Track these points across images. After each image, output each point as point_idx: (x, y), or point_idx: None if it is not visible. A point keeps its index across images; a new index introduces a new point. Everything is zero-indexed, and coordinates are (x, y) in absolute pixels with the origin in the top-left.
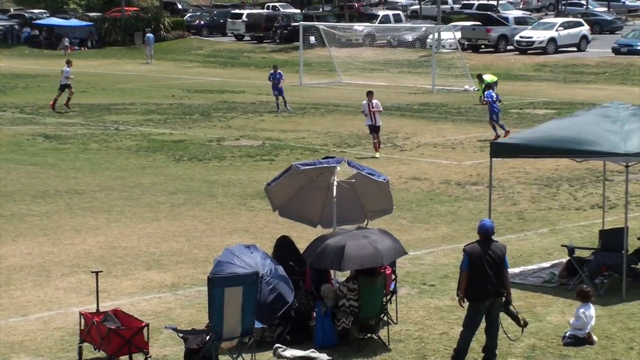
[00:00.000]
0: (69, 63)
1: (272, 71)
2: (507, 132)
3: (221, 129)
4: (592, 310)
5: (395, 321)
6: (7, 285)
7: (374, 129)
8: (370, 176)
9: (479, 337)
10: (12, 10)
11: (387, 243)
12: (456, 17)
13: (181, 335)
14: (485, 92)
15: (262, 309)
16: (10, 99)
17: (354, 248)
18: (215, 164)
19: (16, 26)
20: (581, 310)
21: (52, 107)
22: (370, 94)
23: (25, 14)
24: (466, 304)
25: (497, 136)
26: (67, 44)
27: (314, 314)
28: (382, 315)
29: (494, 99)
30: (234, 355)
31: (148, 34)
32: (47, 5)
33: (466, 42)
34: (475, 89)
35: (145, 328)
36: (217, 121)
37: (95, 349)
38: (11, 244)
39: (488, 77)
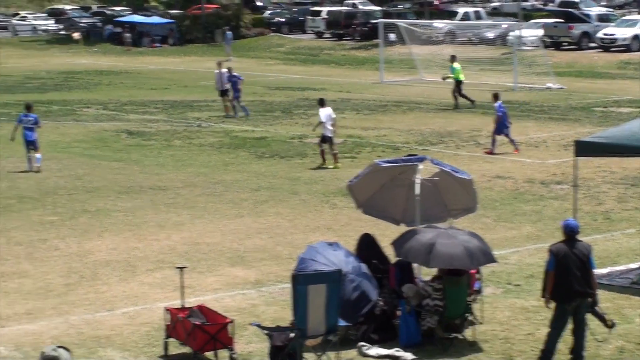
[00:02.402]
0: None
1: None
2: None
3: (302, 126)
4: None
5: (480, 321)
6: (93, 280)
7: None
8: (453, 174)
9: (566, 339)
10: (94, 7)
11: (477, 247)
12: (537, 14)
13: (266, 332)
14: (497, 105)
15: (345, 306)
16: (94, 96)
17: (444, 246)
18: (298, 161)
19: (99, 23)
20: None
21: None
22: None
23: (108, 12)
24: (552, 305)
25: (491, 151)
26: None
27: (399, 312)
28: (467, 314)
29: (505, 113)
30: (319, 353)
31: (227, 32)
32: (129, 3)
33: (548, 40)
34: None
35: (230, 324)
36: (298, 118)
37: (180, 344)
38: (97, 239)
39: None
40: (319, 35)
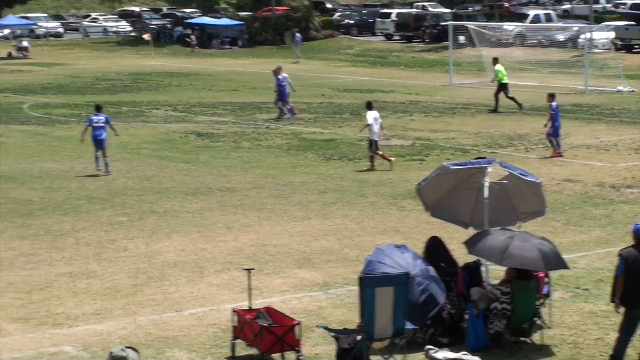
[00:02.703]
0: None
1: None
2: (557, 153)
3: None
4: None
5: (548, 325)
6: (161, 281)
7: None
8: (522, 177)
9: (635, 344)
10: (164, 9)
11: (551, 251)
12: (609, 17)
13: (333, 334)
14: (552, 104)
15: (413, 309)
16: (164, 97)
17: (518, 247)
18: (366, 163)
19: (169, 25)
20: None
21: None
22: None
23: (178, 14)
24: (622, 310)
25: (558, 153)
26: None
27: (466, 316)
28: (536, 318)
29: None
30: (386, 356)
31: (296, 34)
32: (199, 5)
33: (619, 42)
34: (628, 88)
35: (297, 326)
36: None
37: (247, 346)
38: (165, 240)
39: None
40: (388, 37)
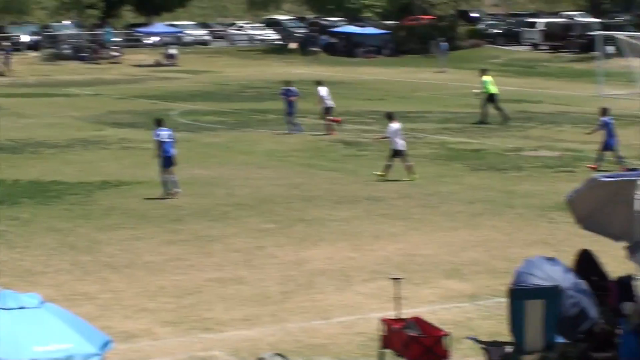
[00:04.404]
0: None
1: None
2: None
3: (519, 138)
4: None
5: None
6: (309, 289)
7: None
8: None
9: None
10: (310, 18)
11: None
12: None
13: (482, 346)
14: (605, 119)
15: (563, 323)
16: (310, 106)
17: None
18: (514, 174)
19: (314, 34)
20: None
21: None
22: None
23: (323, 22)
24: None
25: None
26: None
27: (619, 331)
28: None
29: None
30: None
31: (441, 43)
32: (345, 14)
33: None
34: None
35: (446, 337)
36: (514, 131)
37: (395, 356)
38: (313, 248)
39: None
40: (535, 46)
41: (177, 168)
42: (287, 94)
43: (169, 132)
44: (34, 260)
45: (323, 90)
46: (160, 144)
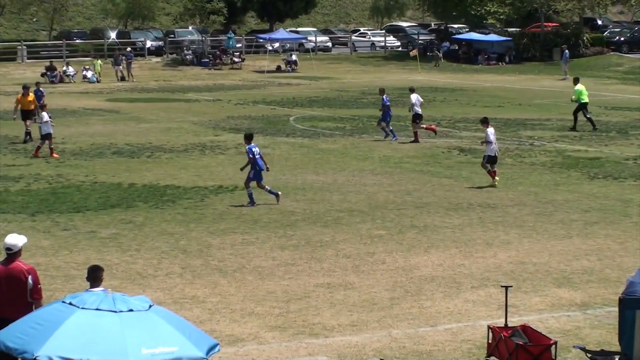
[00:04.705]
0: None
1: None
2: None
3: (638, 147)
4: None
5: None
6: (417, 295)
7: None
8: None
9: None
10: (432, 24)
11: None
12: None
13: (590, 355)
14: None
15: None
16: (428, 112)
17: None
18: (631, 183)
19: (436, 40)
20: None
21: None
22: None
23: (445, 29)
24: None
25: None
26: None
27: None
28: None
29: None
30: None
31: (564, 50)
32: (467, 20)
33: None
34: None
35: (553, 346)
36: (634, 139)
37: None
38: (423, 254)
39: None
40: None
41: (292, 173)
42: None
43: (257, 147)
44: (145, 264)
45: (414, 97)
46: (255, 159)
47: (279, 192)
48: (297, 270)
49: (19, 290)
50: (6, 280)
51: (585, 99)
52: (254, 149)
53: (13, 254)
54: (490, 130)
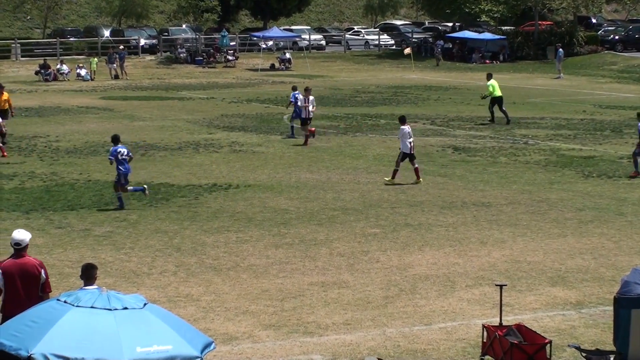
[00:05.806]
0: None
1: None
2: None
3: (633, 146)
4: None
5: None
6: (412, 294)
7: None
8: None
9: None
10: (426, 23)
11: None
12: None
13: (584, 354)
14: None
15: None
16: (422, 111)
17: None
18: (626, 182)
19: (430, 39)
20: None
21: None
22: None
23: (440, 27)
24: None
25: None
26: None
27: None
28: None
29: None
30: None
31: (558, 49)
32: (461, 19)
33: None
34: None
35: (548, 345)
36: (628, 138)
37: None
38: (417, 253)
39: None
40: None
41: (286, 172)
42: None
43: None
44: (140, 262)
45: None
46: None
47: (145, 186)
48: (292, 269)
49: (33, 284)
50: (20, 275)
51: (498, 92)
52: (119, 150)
53: (22, 248)
54: (403, 128)
